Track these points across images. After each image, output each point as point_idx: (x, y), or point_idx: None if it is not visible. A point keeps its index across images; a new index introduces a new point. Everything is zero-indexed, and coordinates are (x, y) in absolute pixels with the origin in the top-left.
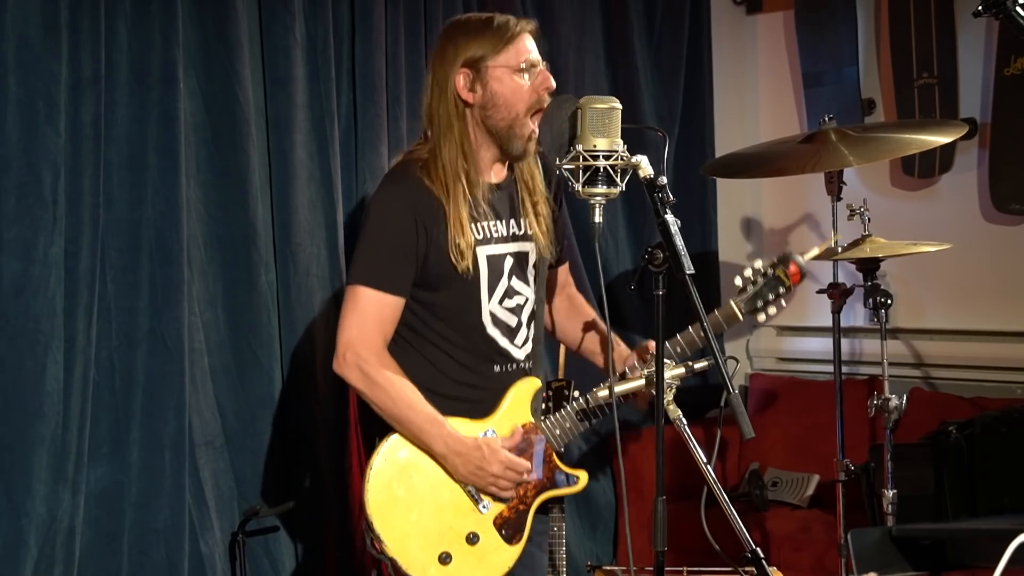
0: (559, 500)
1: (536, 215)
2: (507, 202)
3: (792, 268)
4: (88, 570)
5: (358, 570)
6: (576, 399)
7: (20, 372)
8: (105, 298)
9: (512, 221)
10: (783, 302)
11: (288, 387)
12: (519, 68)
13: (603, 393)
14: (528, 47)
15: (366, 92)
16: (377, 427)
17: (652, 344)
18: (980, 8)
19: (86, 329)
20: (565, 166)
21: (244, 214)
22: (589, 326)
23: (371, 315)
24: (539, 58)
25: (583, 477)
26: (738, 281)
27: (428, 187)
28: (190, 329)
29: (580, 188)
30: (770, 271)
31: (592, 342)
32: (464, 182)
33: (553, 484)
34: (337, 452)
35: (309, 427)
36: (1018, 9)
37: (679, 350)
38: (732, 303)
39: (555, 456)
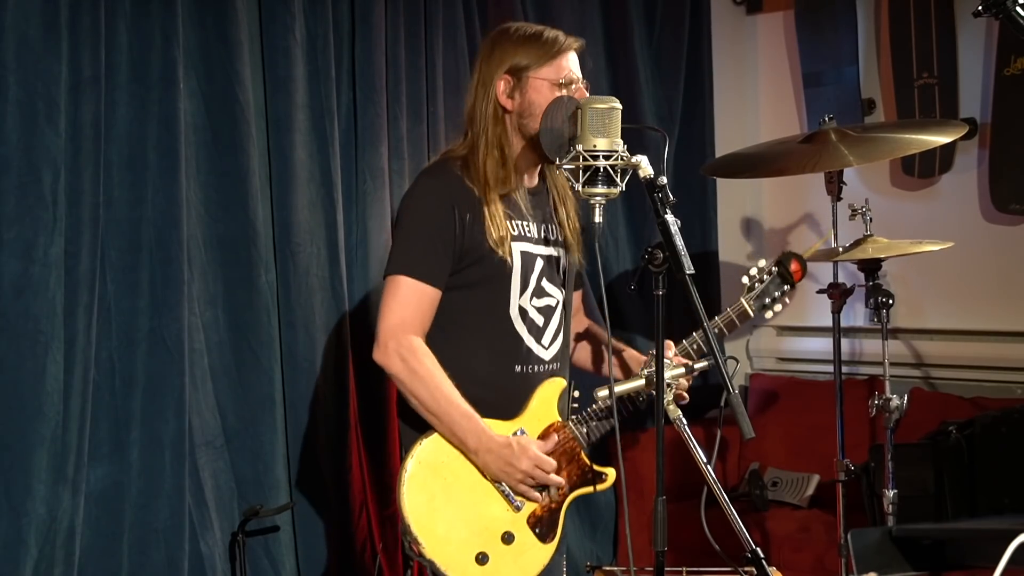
0: None
1: (568, 220)
2: (541, 208)
3: (794, 266)
4: (88, 570)
5: (358, 570)
6: (597, 403)
7: (20, 372)
8: (105, 298)
9: (544, 226)
10: (787, 300)
11: (288, 387)
12: (558, 83)
13: (603, 393)
14: (571, 64)
15: (366, 92)
16: (402, 418)
17: (668, 349)
18: (980, 8)
19: (86, 329)
20: (565, 166)
21: (244, 214)
22: (594, 341)
23: (412, 305)
24: (579, 76)
25: (611, 474)
26: (745, 280)
27: (466, 183)
28: (190, 329)
29: (580, 188)
30: (774, 269)
31: (594, 353)
32: (501, 183)
33: (583, 482)
34: (337, 452)
35: (309, 427)
36: (1018, 9)
37: (695, 347)
38: (743, 301)
39: (583, 454)
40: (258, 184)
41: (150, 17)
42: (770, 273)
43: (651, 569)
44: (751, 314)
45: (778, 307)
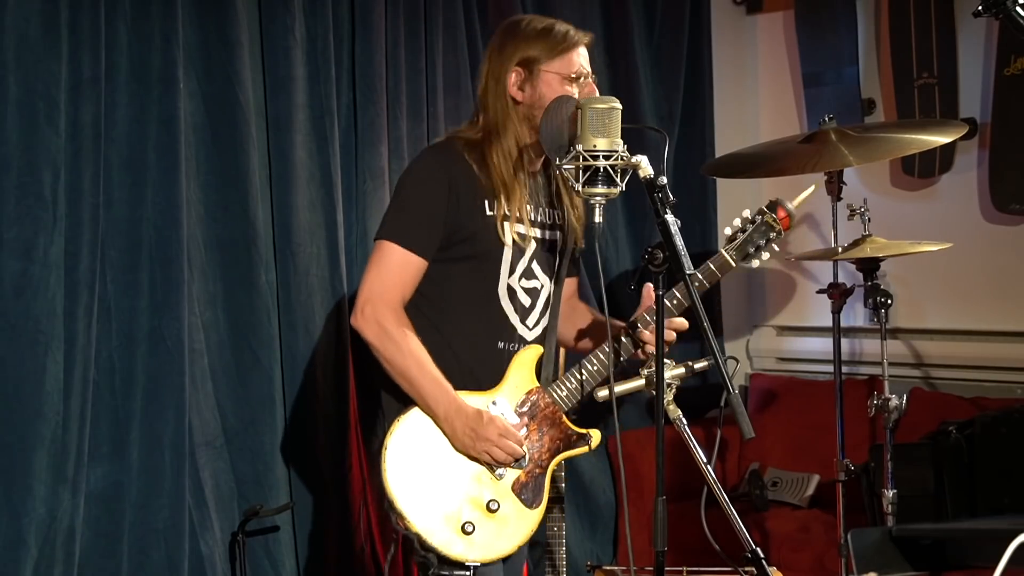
0: (559, 500)
1: (572, 206)
2: (542, 191)
3: (781, 213)
4: (88, 570)
5: (358, 570)
6: (579, 369)
7: (20, 372)
8: (105, 298)
9: (543, 209)
10: (775, 246)
11: (288, 387)
12: (569, 77)
13: (603, 393)
14: (581, 59)
15: (366, 92)
16: (383, 388)
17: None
18: (980, 8)
19: (86, 329)
20: (565, 166)
21: (244, 214)
22: (587, 320)
23: (395, 272)
24: (589, 70)
25: (595, 435)
26: (727, 231)
27: (468, 162)
28: (190, 329)
29: (580, 188)
30: (759, 218)
31: (589, 331)
32: (508, 164)
33: (567, 445)
34: (337, 452)
35: (309, 427)
36: (1018, 9)
37: (675, 302)
38: (723, 252)
39: (564, 417)
40: (258, 184)
41: (150, 17)
42: (754, 222)
43: (651, 569)
44: (733, 264)
45: (765, 255)
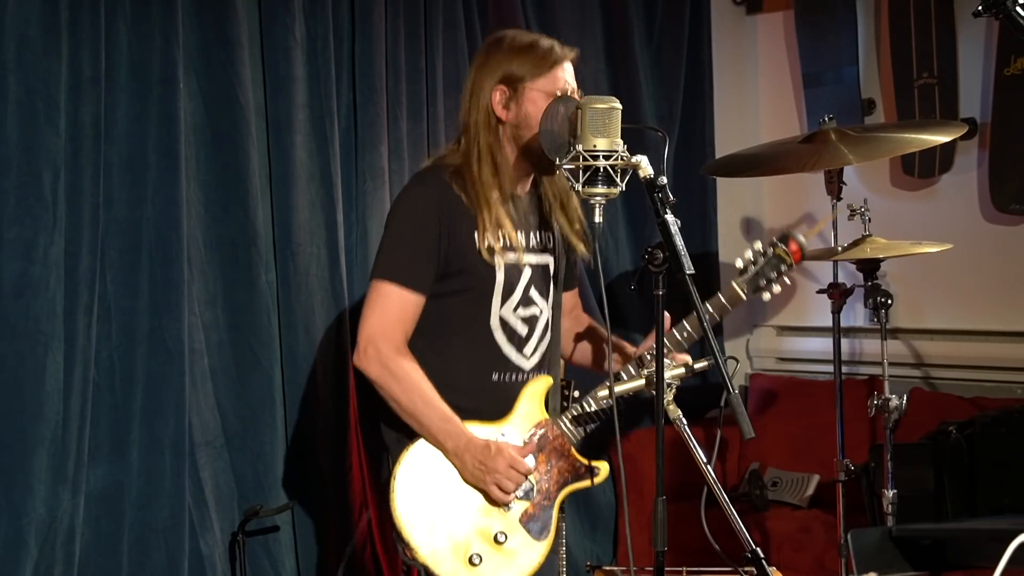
0: None
1: (567, 224)
2: (533, 215)
3: (793, 246)
4: (88, 570)
5: (358, 570)
6: (584, 399)
7: (20, 372)
8: (105, 298)
9: (534, 233)
10: (786, 280)
11: (288, 387)
12: (554, 94)
13: (603, 393)
14: (566, 75)
15: (366, 92)
16: (383, 421)
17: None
18: (980, 8)
19: (86, 329)
20: (565, 166)
21: (244, 214)
22: (591, 336)
23: (394, 310)
24: (575, 86)
25: (603, 468)
26: (739, 263)
27: (455, 192)
28: (190, 329)
29: (580, 188)
30: (770, 250)
31: (593, 349)
32: (491, 191)
33: (575, 477)
34: (337, 452)
35: (309, 427)
36: (1018, 9)
37: (685, 335)
38: (734, 284)
39: (573, 450)
40: (258, 184)
41: (150, 17)
42: (765, 255)
43: (651, 569)
44: (743, 297)
45: (776, 288)
